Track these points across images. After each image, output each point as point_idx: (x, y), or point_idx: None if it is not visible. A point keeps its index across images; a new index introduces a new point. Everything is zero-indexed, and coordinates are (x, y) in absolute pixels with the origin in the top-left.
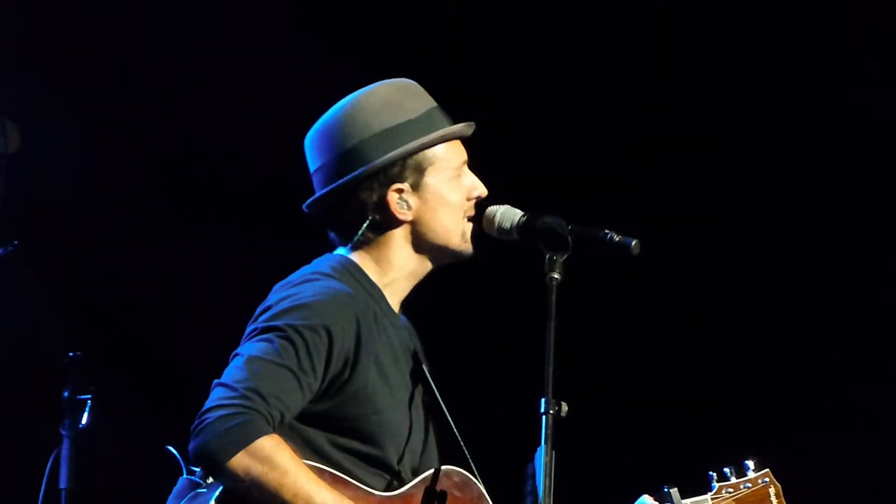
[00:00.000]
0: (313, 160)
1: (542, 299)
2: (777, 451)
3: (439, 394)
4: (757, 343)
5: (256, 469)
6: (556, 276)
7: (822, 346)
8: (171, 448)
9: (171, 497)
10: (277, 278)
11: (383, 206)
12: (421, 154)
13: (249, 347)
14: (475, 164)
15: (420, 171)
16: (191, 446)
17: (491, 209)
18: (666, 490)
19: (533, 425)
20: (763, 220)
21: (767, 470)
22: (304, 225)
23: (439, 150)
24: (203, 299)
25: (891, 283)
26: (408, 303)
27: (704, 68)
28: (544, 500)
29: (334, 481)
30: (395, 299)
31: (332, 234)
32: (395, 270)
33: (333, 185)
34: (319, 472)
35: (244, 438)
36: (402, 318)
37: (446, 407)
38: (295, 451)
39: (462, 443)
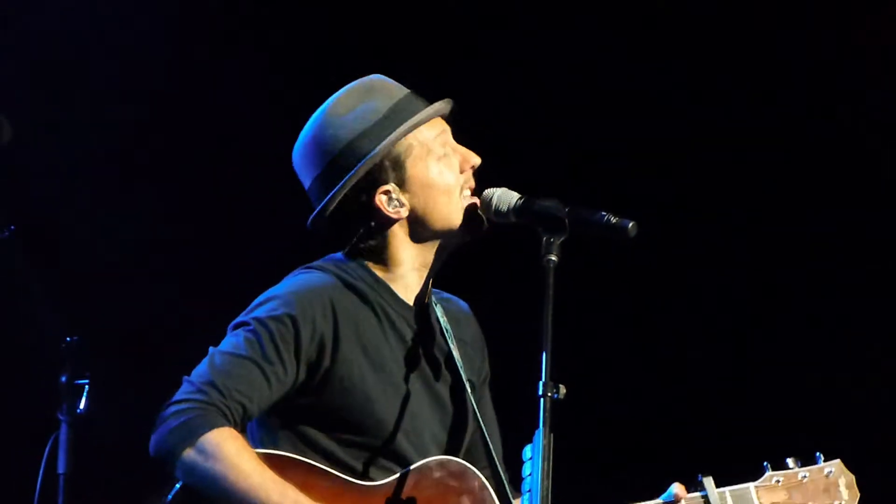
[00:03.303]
0: (303, 180)
1: (540, 281)
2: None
3: (468, 383)
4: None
5: (202, 464)
6: (553, 258)
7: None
8: None
9: None
10: (274, 264)
11: (375, 210)
12: (395, 149)
13: (221, 345)
14: (472, 147)
15: (399, 166)
16: (150, 440)
17: (487, 192)
18: (700, 479)
19: (531, 408)
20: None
21: (838, 460)
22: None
23: (412, 137)
24: (201, 282)
25: None
26: None
27: (706, 50)
28: (542, 483)
29: (308, 472)
30: (407, 292)
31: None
32: (402, 266)
33: (321, 206)
34: (294, 463)
35: (191, 433)
36: (436, 305)
37: (472, 396)
38: (288, 446)
39: (484, 431)
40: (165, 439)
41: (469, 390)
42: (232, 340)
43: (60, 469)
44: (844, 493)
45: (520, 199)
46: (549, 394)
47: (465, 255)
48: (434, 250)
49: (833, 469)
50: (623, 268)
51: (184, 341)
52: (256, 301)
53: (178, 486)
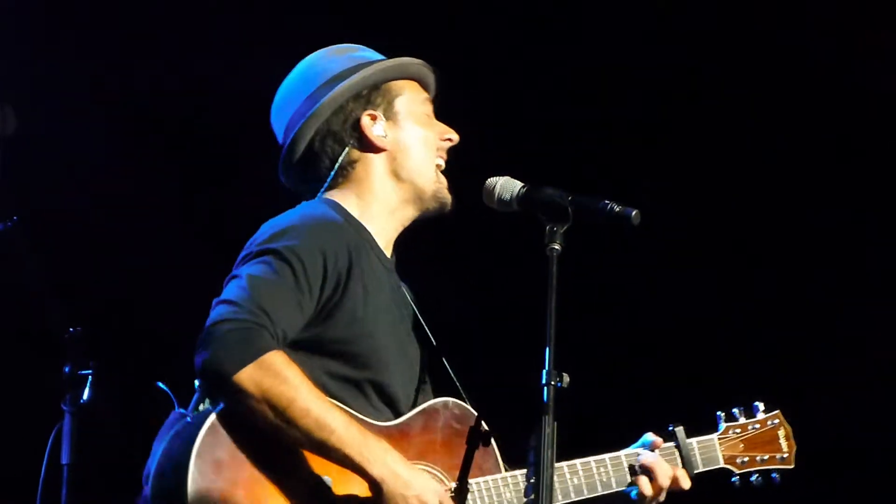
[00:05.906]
0: (279, 128)
1: (543, 270)
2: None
3: (430, 331)
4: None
5: (267, 382)
6: (556, 246)
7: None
8: (161, 385)
9: (161, 429)
10: None
11: (359, 131)
12: (389, 83)
13: (248, 269)
14: (474, 137)
15: (390, 98)
16: (197, 359)
17: (490, 180)
18: (671, 428)
19: (535, 396)
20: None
21: (778, 411)
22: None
23: (406, 86)
24: (204, 272)
25: None
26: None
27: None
28: (546, 471)
29: None
30: (381, 238)
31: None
32: (378, 204)
33: (302, 122)
34: None
35: (255, 351)
36: (393, 259)
37: (437, 342)
38: None
39: (453, 374)
40: (223, 354)
41: (433, 338)
42: (264, 268)
43: (64, 460)
44: (784, 444)
45: (523, 187)
46: (553, 382)
47: (468, 244)
48: (404, 200)
49: (777, 421)
50: (626, 254)
51: (188, 331)
52: (275, 229)
53: (217, 409)
